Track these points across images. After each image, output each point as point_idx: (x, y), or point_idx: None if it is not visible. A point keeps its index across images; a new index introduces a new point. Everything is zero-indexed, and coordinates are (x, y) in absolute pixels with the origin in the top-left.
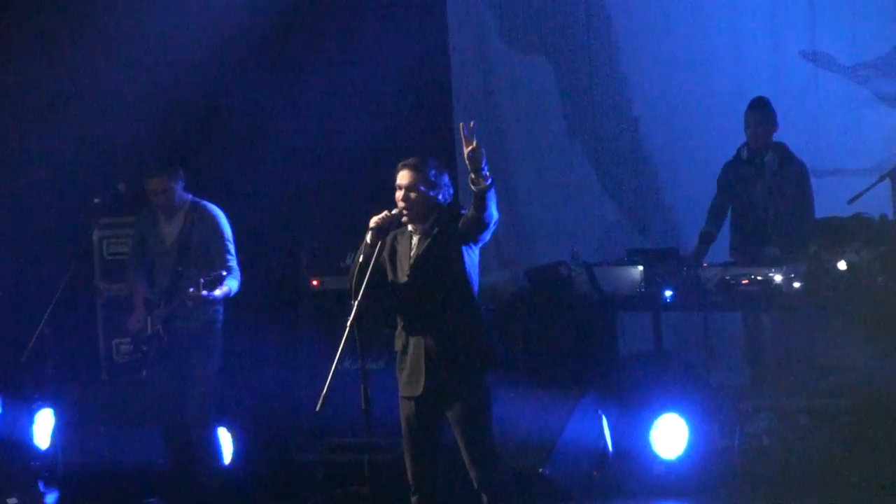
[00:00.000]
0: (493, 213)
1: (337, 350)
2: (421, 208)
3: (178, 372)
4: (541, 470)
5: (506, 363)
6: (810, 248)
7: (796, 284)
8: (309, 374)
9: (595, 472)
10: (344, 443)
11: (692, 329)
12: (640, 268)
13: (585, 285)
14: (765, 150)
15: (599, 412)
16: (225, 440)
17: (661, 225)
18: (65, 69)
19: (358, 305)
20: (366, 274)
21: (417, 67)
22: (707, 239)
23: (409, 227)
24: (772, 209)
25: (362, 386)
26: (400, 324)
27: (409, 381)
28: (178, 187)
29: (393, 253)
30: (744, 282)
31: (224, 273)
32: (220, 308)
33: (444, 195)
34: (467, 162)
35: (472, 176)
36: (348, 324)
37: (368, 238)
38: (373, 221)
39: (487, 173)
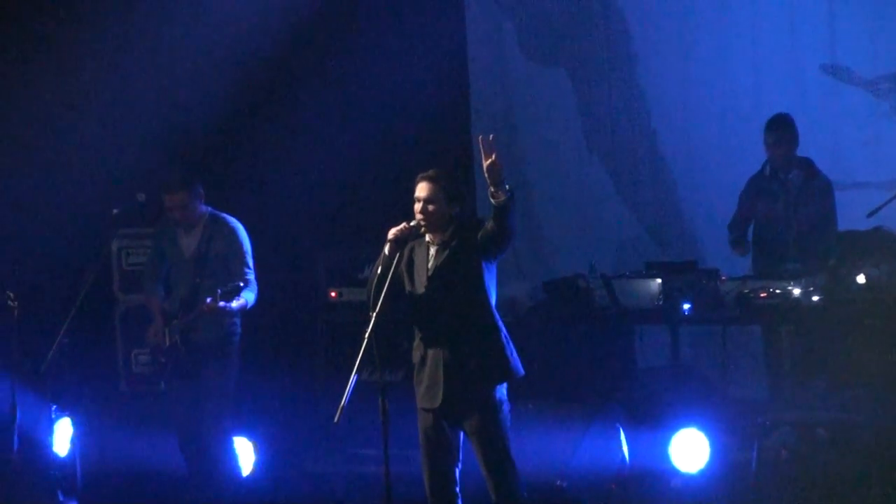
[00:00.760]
0: (513, 226)
1: (355, 362)
2: (439, 220)
3: (196, 383)
4: (558, 483)
5: (523, 375)
6: (829, 262)
7: (815, 298)
8: (327, 386)
9: (613, 486)
10: (362, 454)
11: (710, 342)
12: (659, 281)
13: (603, 298)
14: (789, 167)
15: (617, 425)
16: (245, 451)
17: (679, 238)
18: (85, 76)
19: (376, 317)
20: (384, 286)
21: (436, 80)
22: (740, 240)
23: (427, 239)
24: (794, 226)
25: (380, 398)
26: (417, 335)
27: (426, 392)
28: (197, 202)
29: (411, 264)
30: (762, 295)
31: (241, 284)
32: (238, 320)
33: (462, 207)
34: (486, 175)
35: (492, 189)
36: (366, 335)
37: (387, 250)
38: (391, 233)
39: (507, 186)
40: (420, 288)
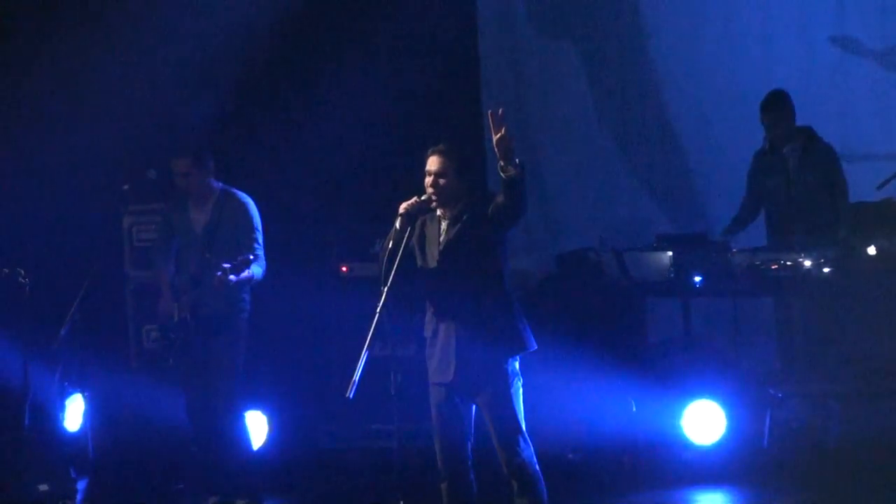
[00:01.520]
0: (524, 199)
1: (367, 337)
2: (450, 194)
3: (206, 358)
4: (570, 456)
5: (535, 349)
6: (840, 234)
7: (826, 270)
8: (339, 361)
9: (624, 458)
10: (374, 429)
11: (721, 315)
12: (670, 253)
13: (614, 271)
14: (786, 140)
15: (629, 398)
16: (258, 425)
17: (690, 210)
18: (97, 55)
19: (387, 292)
20: (395, 260)
21: (446, 54)
22: (738, 222)
23: (438, 213)
24: (795, 200)
25: (392, 373)
26: (429, 310)
27: (439, 367)
28: (203, 173)
29: (422, 239)
30: (773, 267)
31: (251, 257)
32: (247, 295)
33: (472, 180)
34: (496, 149)
35: (502, 163)
36: (378, 310)
37: (397, 224)
38: (402, 207)
39: (517, 160)
40: (432, 262)
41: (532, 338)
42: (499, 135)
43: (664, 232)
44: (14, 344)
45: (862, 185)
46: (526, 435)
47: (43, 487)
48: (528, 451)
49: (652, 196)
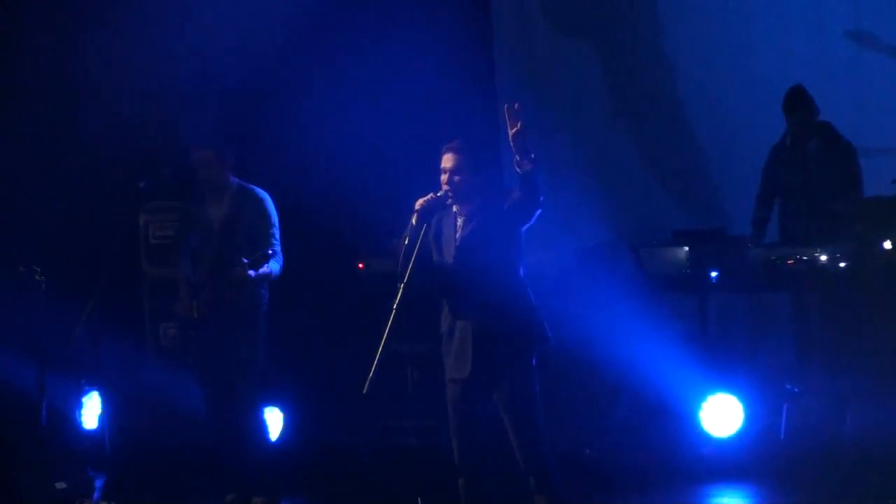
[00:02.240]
0: (539, 194)
1: (383, 333)
2: (465, 190)
3: (225, 355)
4: (587, 452)
5: (552, 344)
6: (856, 228)
7: (842, 264)
8: (355, 358)
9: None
10: (391, 426)
11: (738, 309)
12: (686, 248)
13: (631, 266)
14: (808, 136)
15: (646, 393)
16: (274, 422)
17: (706, 206)
18: (112, 52)
19: (404, 288)
20: (411, 256)
21: (461, 49)
22: (761, 224)
23: (454, 210)
24: (814, 196)
25: (409, 369)
26: (446, 306)
27: (455, 363)
28: (224, 166)
29: (439, 235)
30: (789, 262)
31: (269, 252)
32: (265, 291)
33: (488, 177)
34: (512, 143)
35: (518, 157)
36: (394, 306)
37: (414, 220)
38: (418, 204)
39: (533, 155)
40: (448, 259)
41: (549, 333)
42: (515, 129)
43: (680, 227)
44: (30, 342)
45: (877, 179)
46: (542, 430)
47: (60, 485)
48: (546, 447)
49: (668, 191)
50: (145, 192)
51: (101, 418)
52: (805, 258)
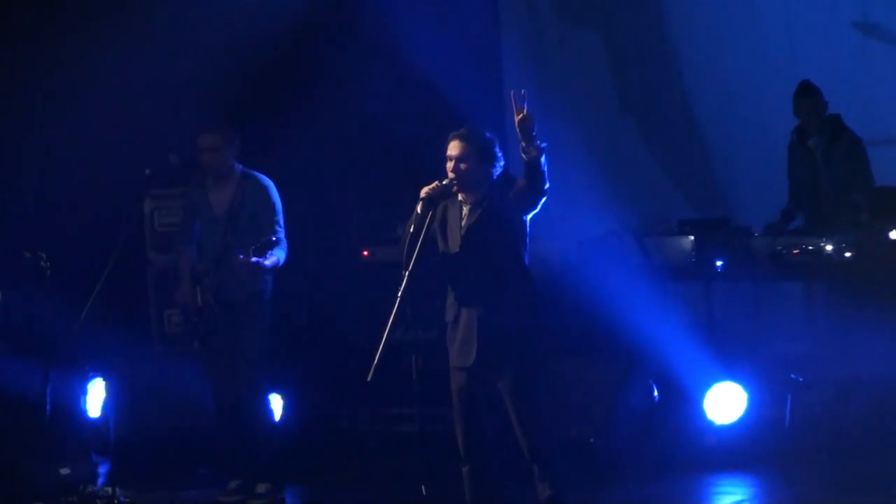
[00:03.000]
0: (545, 181)
1: (388, 321)
2: (471, 178)
3: (229, 342)
4: (591, 440)
5: (557, 333)
6: (862, 218)
7: (848, 254)
8: (360, 346)
9: (646, 443)
10: (395, 413)
11: (743, 299)
12: (692, 238)
13: (636, 255)
14: (815, 131)
15: (651, 382)
16: (277, 408)
17: (712, 195)
18: (120, 39)
19: (409, 276)
20: (416, 244)
21: (468, 40)
22: (785, 216)
23: (460, 198)
24: (822, 191)
25: (414, 357)
26: (451, 294)
27: (460, 351)
28: (230, 151)
29: (444, 223)
30: (795, 251)
31: (273, 239)
32: (270, 278)
33: (494, 165)
34: (518, 130)
35: (524, 144)
36: (399, 294)
37: (419, 208)
38: (423, 192)
39: (538, 142)
40: (454, 247)
41: (553, 322)
42: (521, 115)
43: (686, 217)
44: (35, 329)
45: (885, 169)
46: (546, 419)
47: (64, 471)
48: (549, 435)
49: (674, 181)
50: (151, 179)
51: (106, 405)
52: (811, 248)
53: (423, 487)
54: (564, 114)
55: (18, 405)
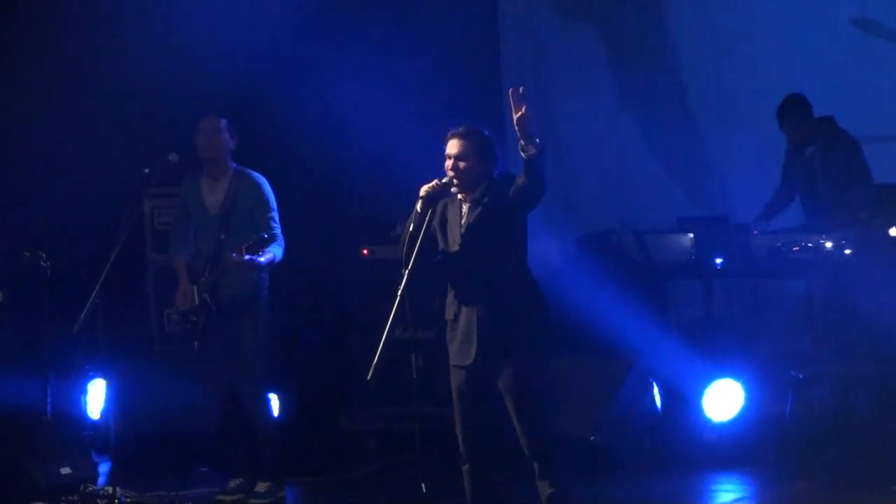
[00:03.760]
0: (544, 179)
1: (388, 319)
2: (471, 177)
3: (228, 341)
4: (591, 438)
5: (557, 331)
6: (861, 215)
7: (847, 251)
8: (359, 344)
9: (646, 441)
10: (395, 411)
11: (742, 296)
12: (691, 235)
13: (636, 253)
14: (807, 141)
15: (650, 379)
16: (276, 406)
17: (711, 193)
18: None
19: (408, 274)
20: (416, 243)
21: (466, 36)
22: (767, 209)
23: (460, 196)
24: (820, 196)
25: (413, 355)
26: (451, 293)
27: (460, 349)
28: (227, 142)
29: (443, 222)
30: (794, 248)
31: (266, 236)
32: (266, 275)
33: (493, 163)
34: (516, 128)
35: (522, 142)
36: (399, 293)
37: (418, 207)
38: (423, 190)
39: (537, 140)
40: (454, 245)
41: (553, 320)
42: (519, 113)
43: (686, 214)
44: (35, 328)
45: (883, 166)
46: (547, 417)
47: (65, 471)
48: (550, 433)
49: (673, 178)
50: (150, 178)
51: (106, 404)
52: (810, 245)
53: (423, 486)
54: (563, 112)
55: (19, 405)
